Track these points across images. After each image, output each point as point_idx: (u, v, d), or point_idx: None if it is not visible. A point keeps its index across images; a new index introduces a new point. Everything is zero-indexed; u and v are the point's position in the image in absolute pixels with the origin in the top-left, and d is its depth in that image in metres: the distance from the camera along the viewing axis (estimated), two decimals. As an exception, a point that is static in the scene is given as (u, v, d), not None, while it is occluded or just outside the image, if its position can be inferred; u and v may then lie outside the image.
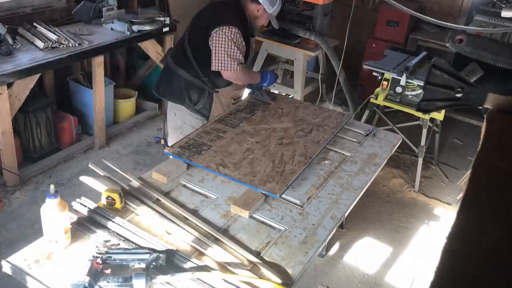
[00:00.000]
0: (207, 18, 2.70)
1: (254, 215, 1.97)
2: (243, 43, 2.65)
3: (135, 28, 3.81)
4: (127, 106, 4.30)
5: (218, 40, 2.57)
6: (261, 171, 2.15)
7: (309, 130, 2.56)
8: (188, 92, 2.76)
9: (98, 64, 3.60)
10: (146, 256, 1.60)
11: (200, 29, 2.67)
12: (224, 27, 2.56)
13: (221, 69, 2.62)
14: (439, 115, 3.68)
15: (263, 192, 2.02)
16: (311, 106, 2.88)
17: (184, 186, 2.12)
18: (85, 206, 1.86)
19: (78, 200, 1.89)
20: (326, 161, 2.40)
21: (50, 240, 1.68)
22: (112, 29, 3.84)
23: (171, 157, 2.27)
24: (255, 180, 2.08)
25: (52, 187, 1.64)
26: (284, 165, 2.21)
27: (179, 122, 2.87)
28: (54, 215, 1.65)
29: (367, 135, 2.65)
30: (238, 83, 2.79)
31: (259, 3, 2.68)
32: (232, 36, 2.57)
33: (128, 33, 3.79)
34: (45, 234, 1.69)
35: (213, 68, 2.62)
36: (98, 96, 3.73)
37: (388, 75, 3.60)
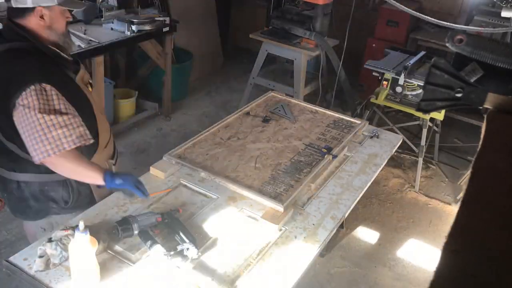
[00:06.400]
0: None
1: (255, 215, 1.97)
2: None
3: (135, 28, 3.81)
4: (127, 106, 4.30)
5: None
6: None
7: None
8: (47, 195, 1.88)
9: (98, 64, 3.59)
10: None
11: None
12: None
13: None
14: (439, 115, 3.68)
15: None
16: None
17: (185, 186, 2.13)
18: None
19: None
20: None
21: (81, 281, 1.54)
22: (112, 29, 3.83)
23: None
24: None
25: (81, 223, 1.49)
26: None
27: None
28: (84, 252, 1.51)
29: (371, 137, 2.66)
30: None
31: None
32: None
33: (128, 33, 3.79)
34: (74, 275, 1.55)
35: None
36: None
37: (388, 75, 3.60)
